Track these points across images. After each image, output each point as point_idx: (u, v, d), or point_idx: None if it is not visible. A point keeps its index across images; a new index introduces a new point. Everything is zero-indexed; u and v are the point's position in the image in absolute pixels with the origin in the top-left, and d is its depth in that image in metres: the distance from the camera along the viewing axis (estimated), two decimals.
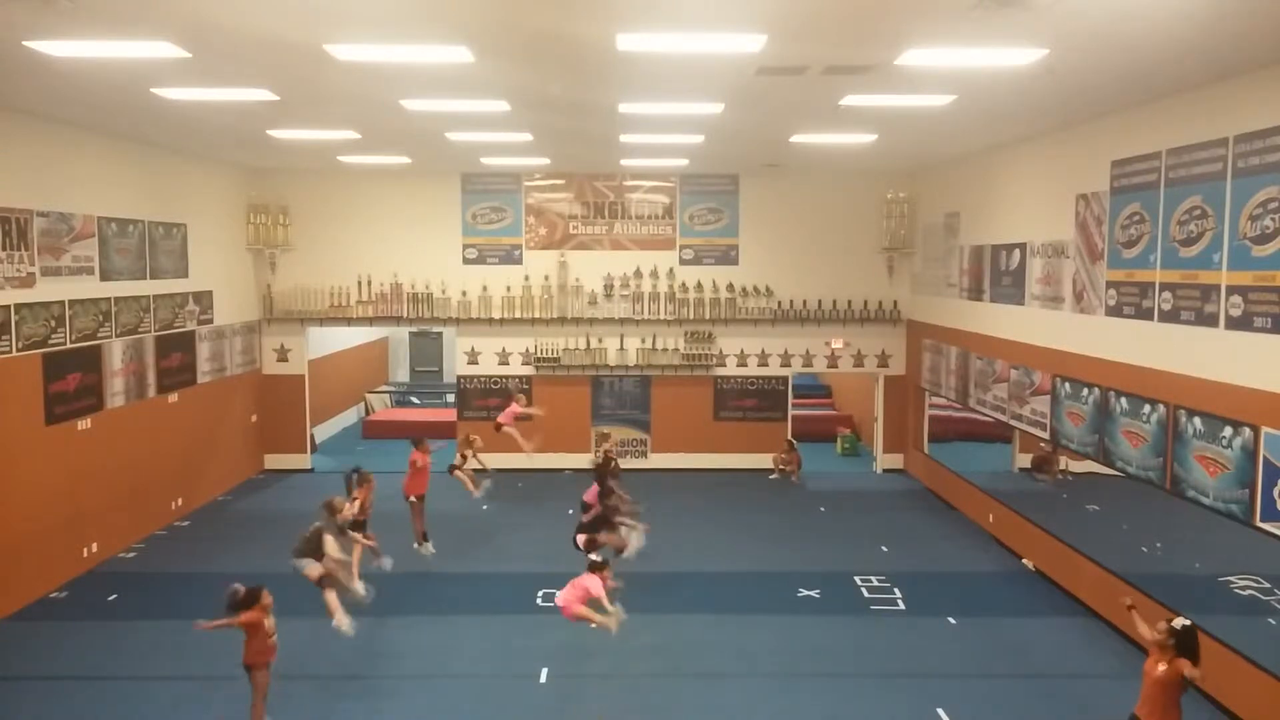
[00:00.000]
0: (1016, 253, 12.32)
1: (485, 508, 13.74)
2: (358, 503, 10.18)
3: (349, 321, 17.08)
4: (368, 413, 22.27)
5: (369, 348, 23.65)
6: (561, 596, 8.71)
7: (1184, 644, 6.33)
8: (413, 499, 11.99)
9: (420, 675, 8.88)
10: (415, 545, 12.04)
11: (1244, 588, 8.76)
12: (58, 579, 11.11)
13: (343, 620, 8.70)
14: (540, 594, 10.83)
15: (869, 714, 8.18)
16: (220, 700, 8.30)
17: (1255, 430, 7.64)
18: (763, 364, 17.23)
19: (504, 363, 17.15)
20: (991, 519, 13.35)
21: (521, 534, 13.25)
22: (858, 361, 17.32)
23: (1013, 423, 12.47)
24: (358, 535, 9.98)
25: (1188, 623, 6.48)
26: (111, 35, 6.97)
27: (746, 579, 11.52)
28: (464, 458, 13.07)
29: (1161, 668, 6.37)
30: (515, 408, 14.96)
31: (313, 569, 8.73)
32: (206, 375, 14.88)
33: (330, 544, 8.87)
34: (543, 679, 8.75)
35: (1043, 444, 11.90)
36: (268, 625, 7.45)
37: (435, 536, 12.35)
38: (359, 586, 9.47)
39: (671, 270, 17.07)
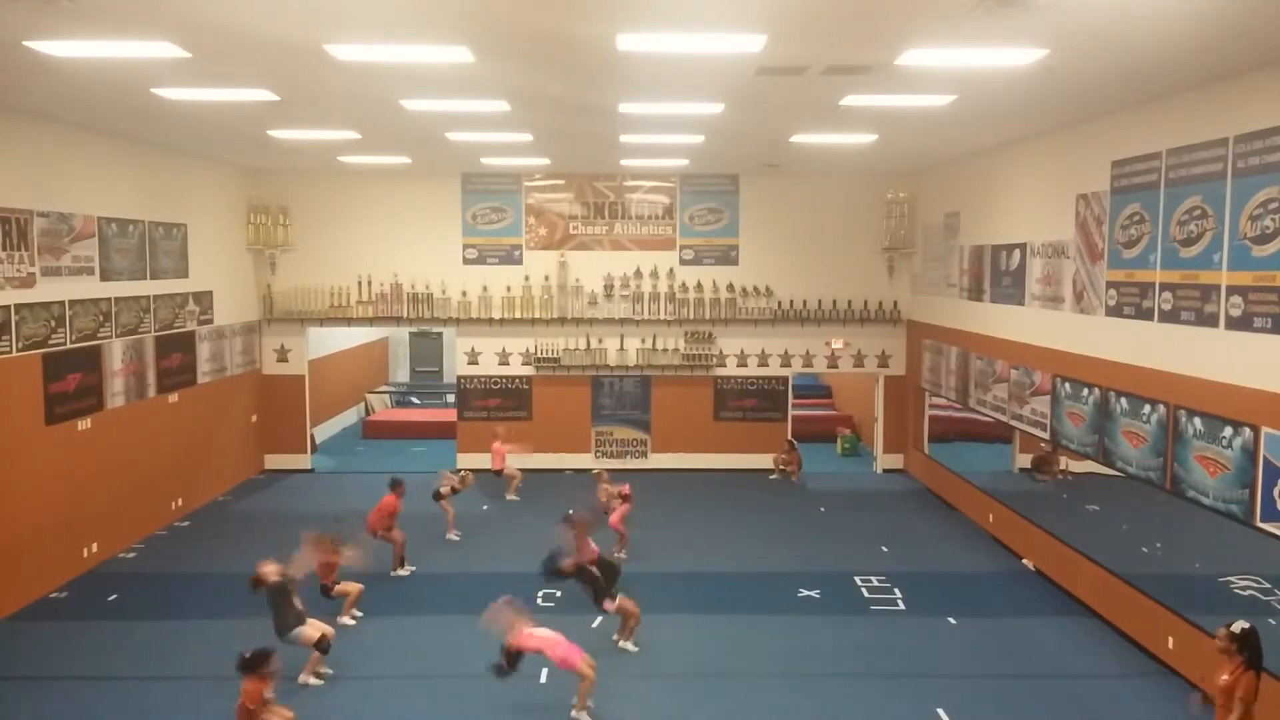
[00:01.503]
0: (1016, 253, 12.32)
1: (485, 507, 13.75)
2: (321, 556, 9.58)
3: (349, 322, 17.08)
4: (368, 413, 22.27)
5: (369, 348, 23.65)
6: (562, 650, 8.11)
7: (1245, 647, 6.14)
8: (380, 534, 11.47)
9: (421, 675, 8.88)
10: (393, 571, 11.51)
11: (1244, 588, 8.75)
12: (58, 579, 11.11)
13: (312, 680, 8.68)
14: (540, 594, 10.83)
15: (869, 714, 8.18)
16: (220, 700, 8.29)
17: (1255, 430, 7.64)
18: (763, 364, 17.23)
19: (504, 363, 17.15)
20: (991, 519, 13.35)
21: (521, 534, 13.24)
22: (858, 361, 17.32)
23: (1013, 423, 12.47)
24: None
25: (1247, 625, 6.24)
26: (111, 35, 6.97)
27: (746, 579, 11.52)
28: (454, 490, 12.99)
29: (1225, 677, 6.19)
30: (500, 447, 14.98)
31: (309, 633, 8.60)
32: (206, 375, 14.88)
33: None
34: (543, 679, 8.75)
35: (1043, 444, 11.90)
36: (267, 695, 6.98)
37: (436, 535, 12.35)
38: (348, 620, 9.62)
39: (671, 270, 17.07)
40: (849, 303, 16.97)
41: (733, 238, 17.10)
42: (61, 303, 11.20)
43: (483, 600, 10.64)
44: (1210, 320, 8.20)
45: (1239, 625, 6.26)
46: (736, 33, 6.81)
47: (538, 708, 8.29)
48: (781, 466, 16.68)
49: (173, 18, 6.53)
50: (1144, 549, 10.49)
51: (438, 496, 12.94)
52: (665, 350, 17.04)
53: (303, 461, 17.23)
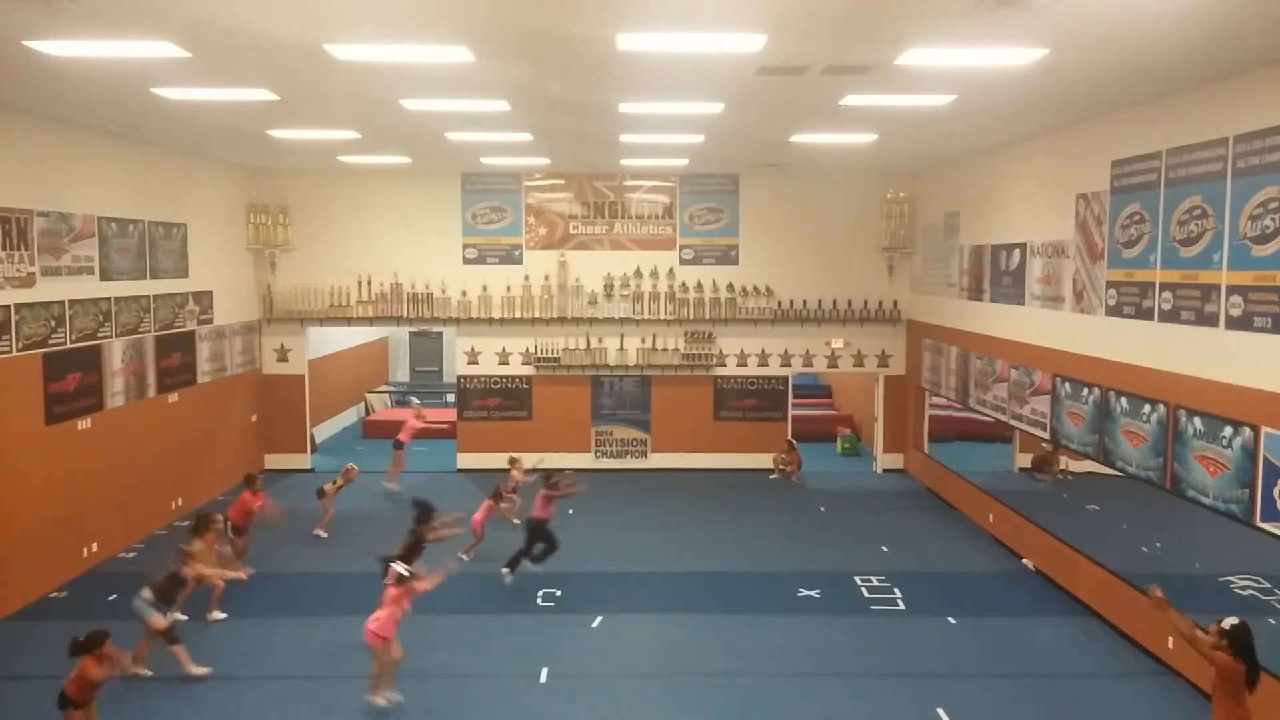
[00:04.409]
0: (1016, 252, 12.33)
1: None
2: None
3: (349, 321, 17.08)
4: (368, 413, 22.27)
5: (369, 348, 23.65)
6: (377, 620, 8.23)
7: (1236, 644, 6.13)
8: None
9: (420, 674, 8.87)
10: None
11: (1244, 588, 8.75)
12: (58, 579, 11.11)
13: (196, 670, 8.73)
14: (540, 594, 10.84)
15: (869, 714, 8.18)
16: (218, 700, 8.30)
17: (1255, 430, 7.64)
18: (763, 364, 17.23)
19: (504, 363, 17.16)
20: (991, 519, 13.35)
21: (521, 534, 13.22)
22: (858, 361, 17.32)
23: (1013, 423, 12.47)
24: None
25: (1236, 620, 6.25)
26: (111, 35, 6.98)
27: (747, 579, 11.51)
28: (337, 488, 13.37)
29: (1215, 672, 6.23)
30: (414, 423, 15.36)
31: (157, 619, 8.67)
32: (206, 375, 14.88)
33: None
34: (543, 679, 8.75)
35: (1043, 444, 11.90)
36: (96, 676, 7.15)
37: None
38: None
39: (671, 270, 17.07)
40: (849, 302, 16.97)
41: (733, 237, 17.09)
42: (61, 302, 11.20)
43: (484, 601, 10.74)
44: (1210, 320, 8.21)
45: (1229, 621, 6.26)
46: (736, 32, 6.81)
47: (538, 708, 8.27)
48: (781, 466, 16.68)
49: (173, 18, 6.53)
50: (1144, 549, 10.48)
51: (321, 494, 13.27)
52: (665, 350, 17.04)
53: (303, 461, 17.22)
